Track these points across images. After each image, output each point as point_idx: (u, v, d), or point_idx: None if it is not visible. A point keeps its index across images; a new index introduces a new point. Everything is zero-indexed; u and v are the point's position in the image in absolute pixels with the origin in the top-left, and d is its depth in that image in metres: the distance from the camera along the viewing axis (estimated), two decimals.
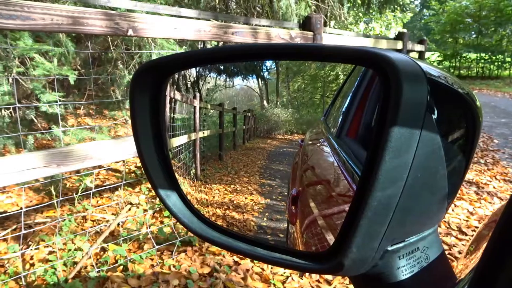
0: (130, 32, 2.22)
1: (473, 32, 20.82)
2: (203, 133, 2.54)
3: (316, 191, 0.87)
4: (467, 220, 3.33)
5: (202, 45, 6.05)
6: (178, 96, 3.22)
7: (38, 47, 3.30)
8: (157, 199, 3.87)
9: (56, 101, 3.21)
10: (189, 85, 9.28)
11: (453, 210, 3.56)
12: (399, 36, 6.51)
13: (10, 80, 3.45)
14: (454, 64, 20.76)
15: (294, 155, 1.22)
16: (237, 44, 3.21)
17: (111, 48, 4.33)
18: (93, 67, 4.55)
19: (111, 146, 2.22)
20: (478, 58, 20.37)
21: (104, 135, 3.86)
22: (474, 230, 3.18)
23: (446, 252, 3.05)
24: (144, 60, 4.92)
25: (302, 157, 1.12)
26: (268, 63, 1.55)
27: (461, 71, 21.25)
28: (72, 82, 3.29)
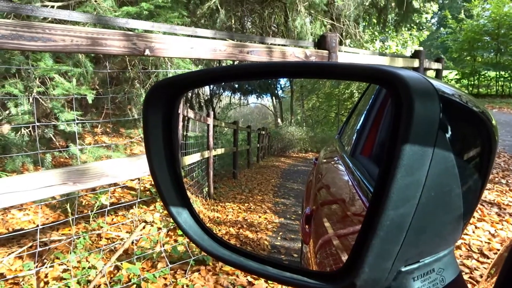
0: (147, 52, 2.27)
1: (491, 50, 20.58)
2: (216, 151, 2.55)
3: (330, 210, 0.86)
4: (488, 243, 3.23)
5: (217, 64, 6.13)
6: (191, 114, 2.90)
7: (58, 67, 3.39)
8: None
9: (74, 120, 3.28)
10: (202, 103, 9.27)
11: (473, 232, 3.46)
12: (416, 54, 6.49)
13: (31, 99, 3.54)
14: (472, 83, 20.48)
15: (308, 174, 1.23)
16: (252, 62, 3.27)
17: (129, 68, 4.42)
18: (110, 86, 4.65)
19: (126, 164, 2.25)
20: (498, 76, 20.07)
21: (120, 153, 3.92)
22: (495, 253, 3.07)
23: (467, 276, 2.86)
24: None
25: (316, 175, 1.10)
26: (283, 82, 1.56)
27: (480, 90, 20.94)
28: (90, 101, 3.36)
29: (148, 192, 4.10)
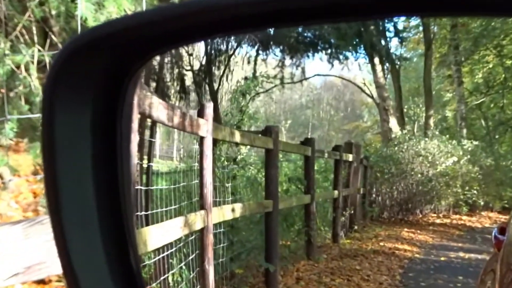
0: None
1: None
2: (222, 210, 1.74)
3: None
4: None
5: None
6: (161, 111, 1.69)
7: None
8: None
9: None
10: (188, 85, 6.56)
11: None
12: None
13: None
14: None
15: (485, 264, 0.77)
16: None
17: None
18: None
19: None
20: None
21: None
22: None
23: None
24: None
25: (505, 262, 0.67)
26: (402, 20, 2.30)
27: None
28: None
29: None
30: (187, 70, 6.25)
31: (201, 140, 2.20)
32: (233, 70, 6.99)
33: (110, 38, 0.36)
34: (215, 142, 2.56)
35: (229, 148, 3.21)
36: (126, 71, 0.38)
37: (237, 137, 2.82)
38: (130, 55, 0.37)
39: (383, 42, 9.54)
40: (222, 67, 6.62)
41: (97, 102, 0.37)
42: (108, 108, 0.38)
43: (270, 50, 7.54)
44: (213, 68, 6.35)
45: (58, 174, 0.37)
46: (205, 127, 2.21)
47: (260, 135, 3.37)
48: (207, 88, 6.41)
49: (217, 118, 3.27)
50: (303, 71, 9.12)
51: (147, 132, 3.66)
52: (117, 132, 0.38)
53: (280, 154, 3.64)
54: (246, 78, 4.88)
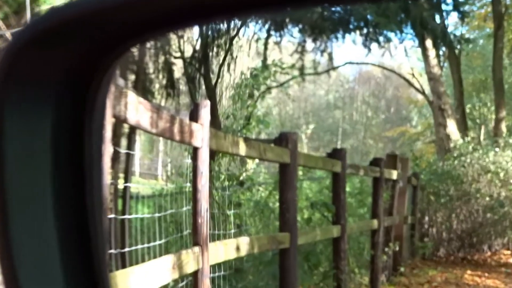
0: None
1: None
2: (222, 244, 1.91)
3: None
4: None
5: None
6: (142, 114, 1.74)
7: None
8: None
9: None
10: (178, 75, 6.31)
11: None
12: None
13: None
14: None
15: None
16: None
17: None
18: None
19: None
20: None
21: None
22: None
23: None
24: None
25: None
26: None
27: None
28: None
29: None
30: (176, 58, 5.99)
31: (194, 152, 2.16)
32: (236, 57, 6.62)
33: (76, 23, 0.36)
34: (213, 154, 2.49)
35: (231, 163, 3.14)
36: (97, 65, 0.38)
37: (242, 148, 2.77)
38: (102, 45, 0.37)
39: (437, 19, 9.15)
40: (222, 53, 6.44)
41: (60, 104, 0.37)
42: (73, 113, 0.38)
43: (286, 30, 7.10)
44: (211, 55, 6.24)
45: (7, 200, 0.35)
46: (200, 134, 2.16)
47: (272, 144, 3.31)
48: (202, 81, 6.16)
49: (215, 122, 3.19)
50: (330, 58, 8.51)
51: (123, 142, 3.56)
52: (84, 142, 0.38)
53: (299, 170, 3.57)
54: (253, 69, 4.84)
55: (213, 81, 6.12)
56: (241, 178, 3.16)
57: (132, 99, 1.70)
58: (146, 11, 0.35)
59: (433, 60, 9.65)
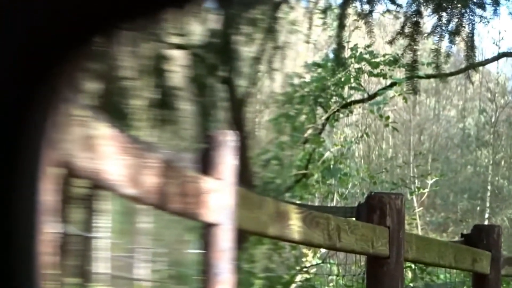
0: None
1: None
2: None
3: None
4: None
5: None
6: (112, 157, 0.95)
7: None
8: None
9: None
10: (176, 81, 2.72)
11: None
12: None
13: None
14: None
15: None
16: None
17: None
18: None
19: None
20: None
21: None
22: None
23: None
24: None
25: None
26: None
27: None
28: None
29: None
30: (172, 47, 2.45)
31: (206, 232, 1.26)
32: (287, 42, 3.58)
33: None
34: (242, 238, 1.56)
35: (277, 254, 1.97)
36: (40, 71, 0.25)
37: (299, 227, 1.48)
38: (50, 40, 0.26)
39: None
40: (260, 34, 2.80)
41: None
42: None
43: None
44: (231, 36, 2.53)
45: None
46: (219, 197, 1.26)
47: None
48: (219, 87, 2.83)
49: (247, 173, 1.95)
50: (471, 49, 3.99)
51: (77, 214, 2.43)
52: (9, 211, 0.25)
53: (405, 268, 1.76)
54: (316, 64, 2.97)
55: (242, 87, 3.27)
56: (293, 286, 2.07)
57: (97, 128, 1.00)
58: None
59: None
